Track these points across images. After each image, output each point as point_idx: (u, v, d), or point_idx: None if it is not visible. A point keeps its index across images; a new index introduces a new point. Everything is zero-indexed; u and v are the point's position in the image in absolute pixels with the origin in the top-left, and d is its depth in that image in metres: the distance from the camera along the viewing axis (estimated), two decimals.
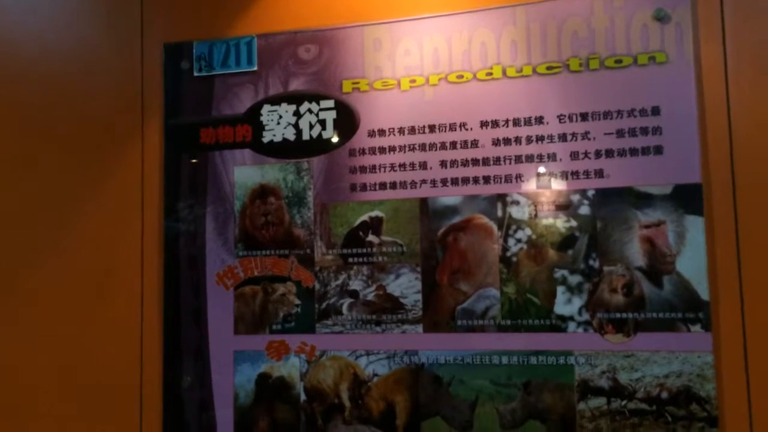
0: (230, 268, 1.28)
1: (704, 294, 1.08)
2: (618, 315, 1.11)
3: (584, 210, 1.14)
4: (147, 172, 1.32)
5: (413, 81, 1.23)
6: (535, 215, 1.16)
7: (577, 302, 1.13)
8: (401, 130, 1.22)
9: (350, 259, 1.23)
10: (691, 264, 1.09)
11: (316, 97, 1.27)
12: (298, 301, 1.25)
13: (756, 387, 1.04)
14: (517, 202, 1.17)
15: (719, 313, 1.06)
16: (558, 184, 1.16)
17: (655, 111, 1.12)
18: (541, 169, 1.16)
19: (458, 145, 1.20)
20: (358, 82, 1.25)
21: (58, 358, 1.32)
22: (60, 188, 1.36)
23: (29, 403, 1.32)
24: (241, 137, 1.29)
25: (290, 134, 1.27)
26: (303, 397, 1.23)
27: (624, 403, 1.10)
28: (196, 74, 1.33)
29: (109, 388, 1.29)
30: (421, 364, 1.18)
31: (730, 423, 1.04)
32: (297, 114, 1.27)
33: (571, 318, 1.13)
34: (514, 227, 1.17)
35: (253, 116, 1.29)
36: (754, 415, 1.03)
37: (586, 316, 1.13)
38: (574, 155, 1.15)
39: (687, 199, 1.10)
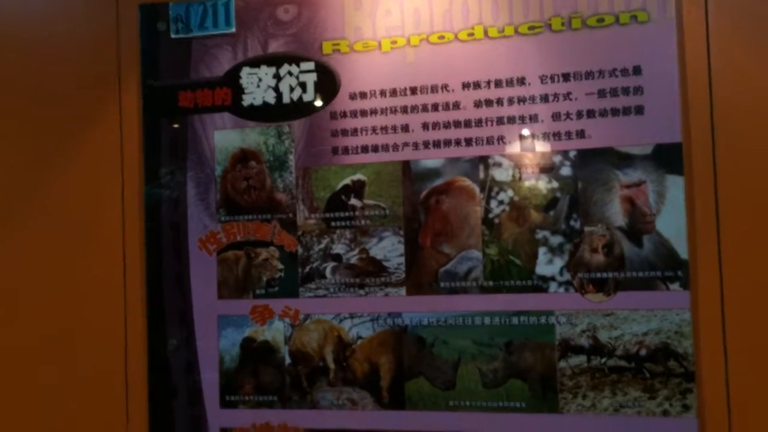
0: (212, 233, 1.28)
1: (683, 253, 1.09)
2: (598, 275, 1.12)
3: (566, 171, 1.14)
4: (126, 136, 1.30)
5: (394, 42, 1.21)
6: (517, 177, 1.16)
7: (558, 263, 1.14)
8: (383, 93, 1.21)
9: (333, 223, 1.23)
10: (671, 223, 1.10)
11: (296, 59, 1.25)
12: (281, 266, 1.25)
13: (732, 343, 1.06)
14: (499, 164, 1.17)
15: (698, 272, 1.08)
16: (540, 146, 1.15)
17: (637, 70, 1.12)
18: (523, 131, 1.16)
19: (440, 107, 1.19)
20: (338, 44, 1.23)
21: (41, 323, 1.32)
22: (36, 152, 1.33)
23: (10, 368, 1.32)
24: (220, 100, 1.28)
25: (270, 97, 1.26)
26: (288, 360, 1.24)
27: (603, 360, 1.12)
28: (173, 36, 1.30)
29: (93, 352, 1.29)
30: (404, 326, 1.19)
31: (707, 378, 1.07)
32: (277, 77, 1.25)
33: (553, 278, 1.14)
34: (496, 189, 1.17)
35: (232, 79, 1.27)
36: (730, 370, 1.06)
37: (567, 277, 1.14)
38: (555, 116, 1.15)
39: (667, 158, 1.10)
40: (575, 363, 1.13)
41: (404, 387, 1.19)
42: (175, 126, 1.30)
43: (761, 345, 1.05)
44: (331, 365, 1.22)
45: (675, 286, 1.10)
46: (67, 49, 1.34)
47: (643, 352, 1.10)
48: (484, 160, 1.17)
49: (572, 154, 1.14)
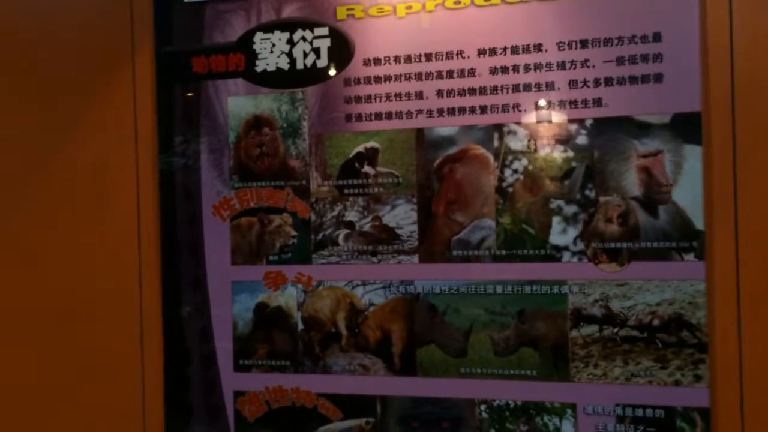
0: (226, 199, 1.28)
1: (699, 223, 1.08)
2: (612, 245, 1.12)
3: (582, 140, 1.13)
4: (139, 102, 1.29)
5: (409, 7, 1.19)
6: (532, 146, 1.15)
7: (572, 232, 1.13)
8: (397, 59, 1.20)
9: (346, 190, 1.23)
10: (688, 193, 1.09)
11: (309, 25, 1.23)
12: (294, 232, 1.25)
13: (746, 315, 1.05)
14: (514, 133, 1.16)
15: (713, 243, 1.06)
16: (556, 114, 1.14)
17: (657, 37, 1.09)
18: (539, 99, 1.14)
19: (455, 74, 1.18)
20: (352, 9, 1.22)
21: (55, 292, 1.33)
22: (49, 120, 1.33)
23: (27, 335, 1.34)
24: (233, 66, 1.27)
25: (284, 63, 1.25)
26: (301, 326, 1.25)
27: (616, 330, 1.12)
28: (186, 0, 1.29)
29: (109, 319, 1.31)
30: (416, 294, 1.20)
31: (720, 349, 1.06)
32: (290, 42, 1.24)
33: (566, 248, 1.14)
34: (510, 158, 1.16)
35: (245, 45, 1.26)
36: (743, 341, 1.05)
37: (580, 246, 1.13)
38: (572, 84, 1.13)
39: (686, 128, 1.08)
40: (587, 332, 1.13)
41: (416, 354, 1.20)
42: (190, 95, 1.29)
43: None
44: (344, 331, 1.23)
45: (690, 256, 1.09)
46: (79, 13, 1.33)
47: (655, 322, 1.10)
48: (498, 128, 1.16)
49: (589, 122, 1.13)
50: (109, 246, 1.31)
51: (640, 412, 1.11)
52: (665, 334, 1.10)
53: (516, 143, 1.15)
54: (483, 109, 1.16)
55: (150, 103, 1.29)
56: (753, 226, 1.05)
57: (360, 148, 1.22)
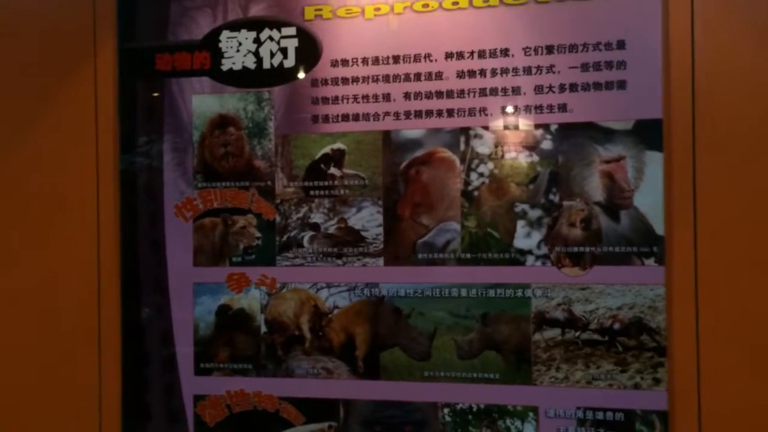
0: (189, 199, 1.26)
1: (659, 229, 1.10)
2: (575, 249, 1.13)
3: (546, 145, 1.14)
4: (101, 99, 1.26)
5: (378, 9, 1.19)
6: (498, 150, 1.16)
7: (536, 236, 1.14)
8: (365, 60, 1.20)
9: (312, 192, 1.22)
10: (648, 199, 1.10)
11: (277, 24, 1.22)
12: (258, 234, 1.24)
13: (704, 319, 1.07)
14: (480, 136, 1.16)
15: (673, 248, 1.08)
16: (521, 119, 1.15)
17: (621, 45, 1.11)
18: (506, 103, 1.15)
19: (422, 77, 1.18)
20: (321, 9, 1.21)
21: (12, 292, 1.30)
22: (7, 117, 1.30)
23: None
24: (198, 64, 1.25)
25: (250, 62, 1.23)
26: (264, 328, 1.24)
27: (578, 334, 1.13)
28: None
29: (66, 320, 1.27)
30: (381, 297, 1.19)
31: (678, 353, 1.08)
32: (257, 41, 1.23)
33: (530, 252, 1.15)
34: (476, 161, 1.16)
35: (211, 43, 1.25)
36: (701, 345, 1.07)
37: (544, 250, 1.14)
38: (538, 89, 1.14)
39: (647, 134, 1.10)
40: (550, 336, 1.13)
41: (379, 357, 1.19)
42: (155, 95, 1.27)
43: (732, 322, 1.06)
44: (307, 334, 1.22)
45: (650, 261, 1.10)
46: (40, 6, 1.30)
47: (616, 326, 1.11)
48: (465, 131, 1.17)
49: (554, 127, 1.14)
50: (68, 246, 1.28)
51: (600, 415, 1.12)
52: (626, 338, 1.11)
53: (482, 147, 1.16)
54: (450, 113, 1.17)
55: (111, 101, 1.26)
56: (712, 232, 1.07)
57: (326, 149, 1.21)
